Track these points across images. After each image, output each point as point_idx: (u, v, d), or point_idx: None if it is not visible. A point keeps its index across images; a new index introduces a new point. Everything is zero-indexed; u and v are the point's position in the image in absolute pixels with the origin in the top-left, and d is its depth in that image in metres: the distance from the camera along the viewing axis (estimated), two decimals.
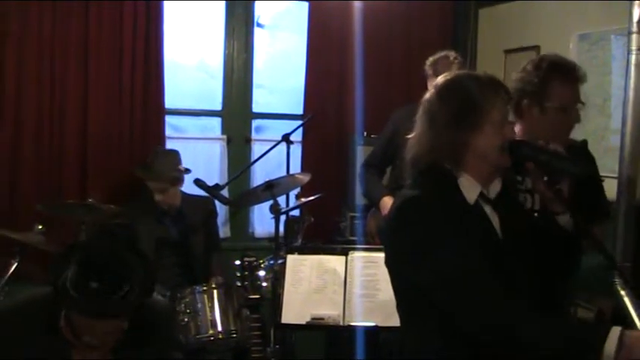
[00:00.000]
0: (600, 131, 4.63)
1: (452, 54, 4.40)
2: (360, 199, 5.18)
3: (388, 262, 2.36)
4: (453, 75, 2.35)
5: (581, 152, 3.09)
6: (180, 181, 4.78)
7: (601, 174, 3.37)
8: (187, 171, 4.80)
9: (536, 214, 2.82)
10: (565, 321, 2.07)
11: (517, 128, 2.86)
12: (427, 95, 2.34)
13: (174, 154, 4.82)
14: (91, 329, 2.43)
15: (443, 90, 2.30)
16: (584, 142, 3.27)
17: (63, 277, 2.40)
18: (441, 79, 2.36)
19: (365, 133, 5.41)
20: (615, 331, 1.93)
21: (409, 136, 2.36)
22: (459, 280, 2.11)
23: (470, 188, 2.26)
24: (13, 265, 3.92)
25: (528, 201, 2.89)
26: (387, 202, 4.31)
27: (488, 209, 2.30)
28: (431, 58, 4.40)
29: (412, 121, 2.38)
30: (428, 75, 4.38)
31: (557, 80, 2.84)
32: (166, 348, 2.79)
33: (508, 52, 5.48)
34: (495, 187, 2.34)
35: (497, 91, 2.26)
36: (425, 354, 2.28)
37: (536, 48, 5.18)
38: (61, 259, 2.48)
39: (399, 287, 2.36)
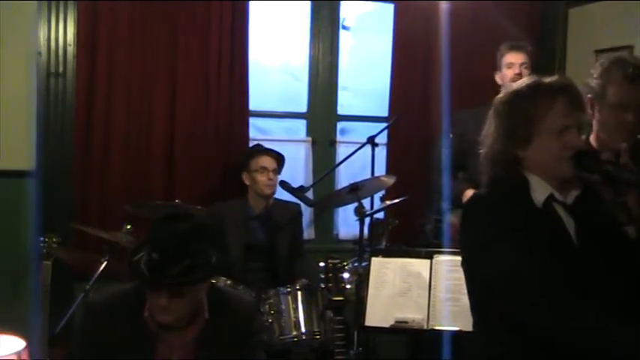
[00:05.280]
0: None
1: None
2: (446, 202, 5.12)
3: (462, 258, 2.46)
4: (509, 90, 2.42)
5: None
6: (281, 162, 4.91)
7: None
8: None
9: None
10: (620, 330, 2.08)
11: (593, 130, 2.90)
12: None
13: None
14: (162, 309, 2.54)
15: (498, 106, 2.40)
16: None
17: (137, 258, 2.57)
18: (500, 94, 2.46)
19: (451, 136, 5.34)
20: None
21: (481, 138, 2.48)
22: (516, 278, 2.16)
23: (539, 190, 2.31)
24: (102, 263, 4.02)
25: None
26: (468, 193, 4.43)
27: (562, 213, 2.31)
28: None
29: (476, 124, 2.54)
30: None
31: (615, 77, 2.79)
32: (250, 346, 2.82)
33: (599, 52, 5.33)
34: (574, 192, 2.35)
35: (554, 97, 2.27)
36: (490, 349, 2.35)
37: (630, 48, 5.03)
38: (139, 244, 2.69)
39: (467, 283, 2.46)
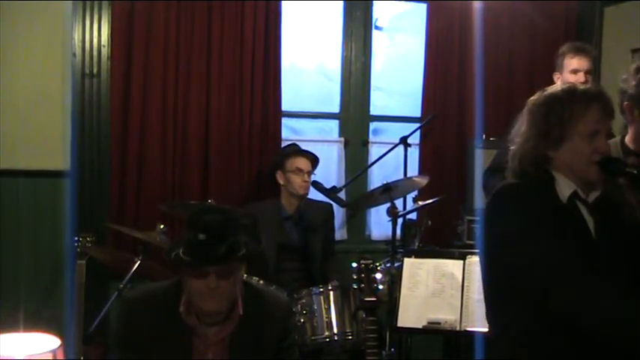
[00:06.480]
0: None
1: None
2: (479, 203, 5.08)
3: (482, 249, 2.51)
4: (544, 92, 2.50)
5: None
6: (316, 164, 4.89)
7: None
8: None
9: None
10: None
11: (629, 133, 2.89)
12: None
13: None
14: (207, 293, 2.56)
15: (532, 108, 2.48)
16: None
17: (177, 249, 2.61)
18: (534, 96, 2.53)
19: (484, 136, 5.30)
20: None
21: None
22: (552, 265, 2.24)
23: (564, 187, 2.41)
24: (136, 262, 4.04)
25: None
26: None
27: (584, 210, 2.41)
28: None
29: None
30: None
31: None
32: (286, 345, 2.85)
33: (635, 51, 5.27)
34: (594, 194, 2.45)
35: (589, 104, 2.37)
36: (509, 341, 2.41)
37: None
38: (178, 240, 2.79)
39: (488, 273, 2.50)
